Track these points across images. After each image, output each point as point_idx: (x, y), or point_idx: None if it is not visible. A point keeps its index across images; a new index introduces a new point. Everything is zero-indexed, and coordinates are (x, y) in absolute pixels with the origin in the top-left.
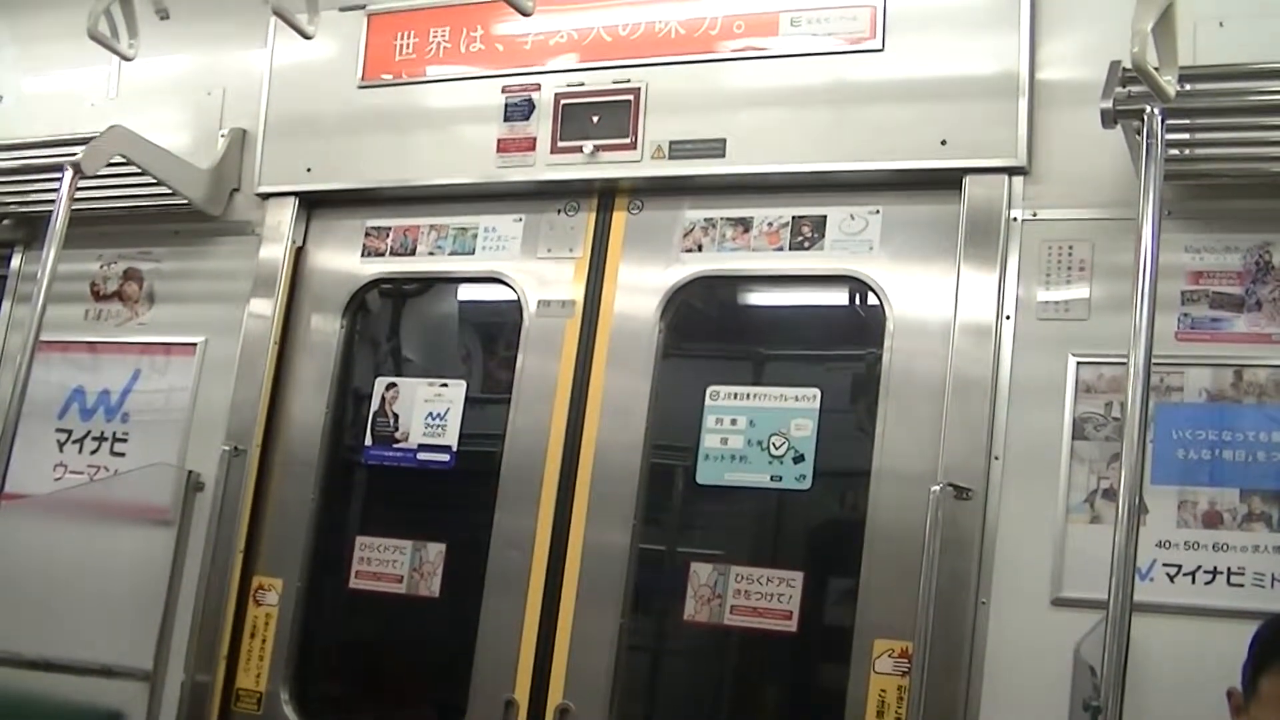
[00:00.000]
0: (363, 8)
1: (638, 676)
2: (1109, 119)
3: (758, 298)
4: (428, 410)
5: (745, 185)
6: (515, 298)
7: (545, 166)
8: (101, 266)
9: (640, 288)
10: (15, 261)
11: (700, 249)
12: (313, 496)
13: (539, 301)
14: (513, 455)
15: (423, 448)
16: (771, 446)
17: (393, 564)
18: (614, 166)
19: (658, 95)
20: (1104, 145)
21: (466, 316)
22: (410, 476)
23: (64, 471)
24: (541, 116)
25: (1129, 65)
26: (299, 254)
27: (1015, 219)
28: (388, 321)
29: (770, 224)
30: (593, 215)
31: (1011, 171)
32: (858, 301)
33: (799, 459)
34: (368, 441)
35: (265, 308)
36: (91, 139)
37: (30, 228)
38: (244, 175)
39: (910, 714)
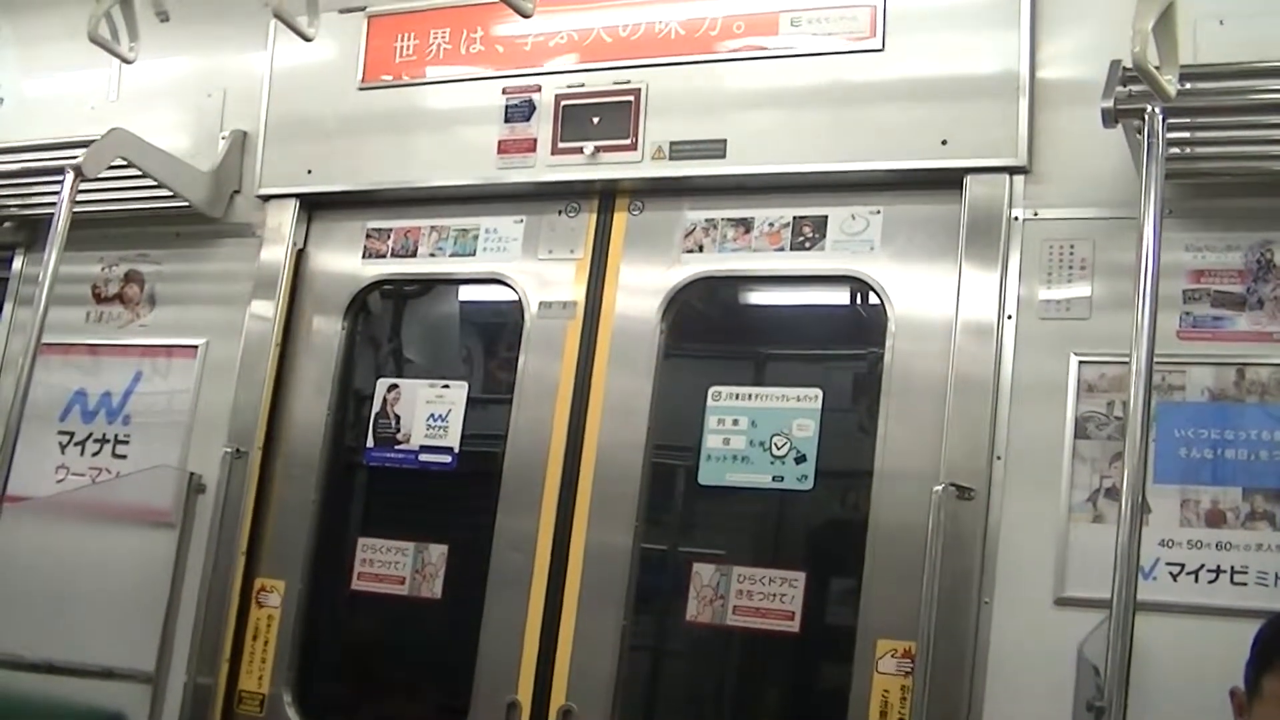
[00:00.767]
0: (363, 10)
1: (640, 677)
2: (1110, 118)
3: (759, 298)
4: (429, 411)
5: (746, 186)
6: (516, 299)
7: (546, 167)
8: (103, 269)
9: (641, 288)
10: (16, 264)
11: (701, 250)
12: (314, 498)
13: (540, 302)
14: (514, 456)
15: (424, 449)
16: (773, 447)
17: (395, 565)
18: (614, 167)
19: (658, 96)
20: (1105, 144)
21: (468, 318)
22: (412, 478)
23: (66, 474)
24: (542, 117)
25: (1130, 64)
26: (300, 256)
27: (1016, 218)
28: (389, 323)
29: (771, 224)
30: (593, 216)
31: (1012, 171)
32: (859, 301)
33: (801, 459)
34: (369, 443)
35: (266, 309)
36: (92, 142)
37: (31, 230)
38: (245, 177)
39: (913, 714)
